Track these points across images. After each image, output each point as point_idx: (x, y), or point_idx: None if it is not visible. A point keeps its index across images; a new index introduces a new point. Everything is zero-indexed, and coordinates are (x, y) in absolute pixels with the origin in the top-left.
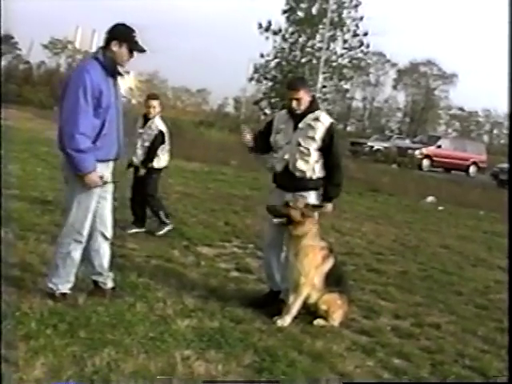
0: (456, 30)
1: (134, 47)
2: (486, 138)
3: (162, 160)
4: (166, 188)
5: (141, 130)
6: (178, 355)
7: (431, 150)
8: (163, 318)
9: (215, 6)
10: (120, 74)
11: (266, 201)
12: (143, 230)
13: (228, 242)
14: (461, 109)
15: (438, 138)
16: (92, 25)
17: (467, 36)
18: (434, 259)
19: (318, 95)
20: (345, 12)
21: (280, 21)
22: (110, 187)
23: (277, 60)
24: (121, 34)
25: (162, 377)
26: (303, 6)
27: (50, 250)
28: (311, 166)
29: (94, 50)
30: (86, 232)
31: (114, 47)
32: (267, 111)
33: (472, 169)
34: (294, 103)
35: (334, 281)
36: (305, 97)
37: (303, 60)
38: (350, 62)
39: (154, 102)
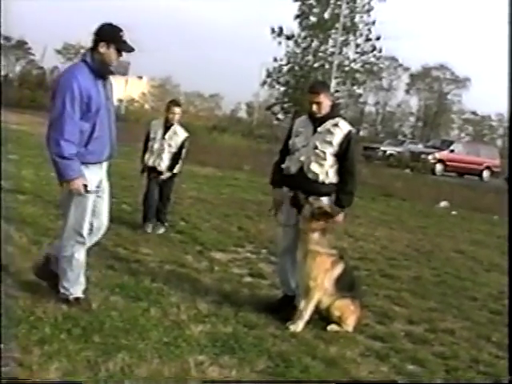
0: (468, 33)
1: (121, 47)
2: (499, 142)
3: (179, 164)
4: (179, 193)
5: (164, 137)
6: (192, 360)
7: (444, 154)
8: (177, 324)
9: (228, 12)
10: (111, 73)
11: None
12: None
13: (241, 247)
14: (474, 113)
15: (451, 142)
16: None
17: (480, 40)
18: (448, 264)
19: None
20: (357, 17)
21: (293, 26)
22: (106, 186)
23: (289, 65)
24: (108, 35)
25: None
26: (316, 10)
27: None
28: (325, 170)
29: None
30: (86, 232)
31: (102, 49)
32: (280, 116)
33: (485, 173)
34: (314, 107)
35: (345, 286)
36: (325, 101)
37: (316, 65)
38: (362, 66)
39: (177, 109)
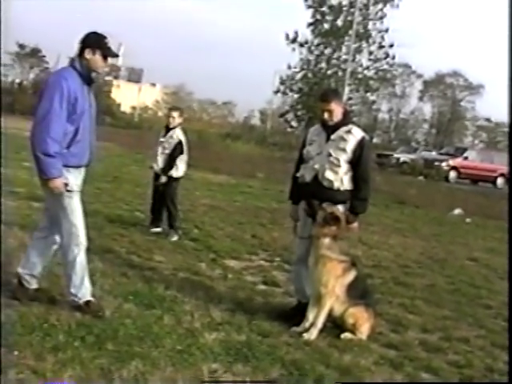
0: (482, 40)
1: (107, 53)
2: None
3: (179, 169)
4: (192, 201)
5: (162, 139)
6: (206, 368)
7: (458, 161)
8: (190, 331)
9: (241, 20)
10: (93, 82)
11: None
12: (159, 229)
13: (255, 254)
14: (488, 120)
15: (465, 149)
16: (118, 38)
17: (493, 46)
18: (462, 272)
19: None
20: (370, 24)
21: (306, 33)
22: (79, 192)
23: (303, 72)
24: (93, 42)
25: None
26: (329, 18)
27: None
28: (339, 177)
29: (120, 62)
30: (83, 233)
31: (88, 55)
32: (293, 123)
33: (499, 180)
34: (326, 115)
35: (358, 293)
36: (336, 108)
37: (329, 72)
38: (375, 73)
39: (174, 113)
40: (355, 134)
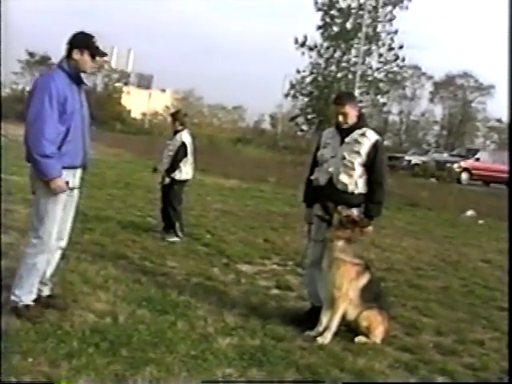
0: (492, 40)
1: (95, 52)
2: None
3: (184, 173)
4: (204, 206)
5: (168, 142)
6: (220, 373)
7: (470, 163)
8: (204, 337)
9: (251, 24)
10: (83, 83)
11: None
12: (176, 239)
13: (268, 259)
14: (499, 120)
15: (477, 150)
16: (128, 44)
17: (503, 46)
18: (476, 274)
19: None
20: (379, 26)
21: (315, 36)
22: (75, 195)
23: (313, 75)
24: (81, 42)
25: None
26: (338, 21)
27: (91, 268)
28: (354, 181)
29: (129, 69)
30: (53, 242)
31: (76, 55)
32: (304, 127)
33: None
34: (341, 118)
35: (372, 297)
36: (351, 111)
37: (339, 75)
38: (385, 75)
39: (171, 118)
40: (370, 137)
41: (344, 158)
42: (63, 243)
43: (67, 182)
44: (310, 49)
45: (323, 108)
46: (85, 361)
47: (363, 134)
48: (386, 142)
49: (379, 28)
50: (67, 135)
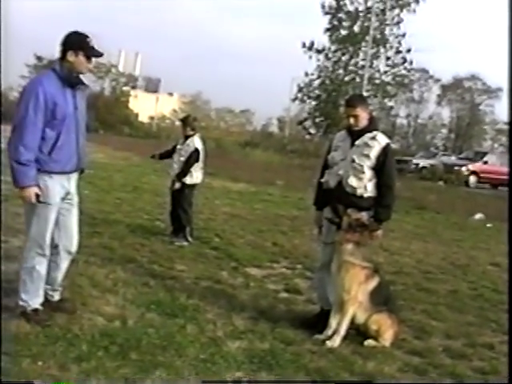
0: (499, 43)
1: (90, 53)
2: None
3: (194, 177)
4: (212, 209)
5: (179, 146)
6: (229, 377)
7: (478, 166)
8: (213, 340)
9: (258, 28)
10: (83, 84)
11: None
12: (185, 243)
13: (276, 262)
14: (507, 123)
15: (485, 153)
16: (135, 48)
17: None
18: (485, 277)
19: None
20: (387, 29)
21: (323, 40)
22: (75, 199)
23: (320, 79)
24: (75, 43)
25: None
26: (345, 24)
27: (100, 272)
28: (363, 184)
29: (137, 72)
30: (47, 244)
31: (71, 57)
32: (311, 131)
33: None
34: (352, 120)
35: (381, 300)
36: (362, 114)
37: (346, 78)
38: (393, 79)
39: (180, 123)
40: (380, 141)
41: (353, 161)
42: (72, 248)
43: (38, 195)
44: (318, 52)
45: (331, 111)
46: (94, 364)
47: (373, 138)
48: (393, 146)
49: (387, 31)
50: (58, 140)
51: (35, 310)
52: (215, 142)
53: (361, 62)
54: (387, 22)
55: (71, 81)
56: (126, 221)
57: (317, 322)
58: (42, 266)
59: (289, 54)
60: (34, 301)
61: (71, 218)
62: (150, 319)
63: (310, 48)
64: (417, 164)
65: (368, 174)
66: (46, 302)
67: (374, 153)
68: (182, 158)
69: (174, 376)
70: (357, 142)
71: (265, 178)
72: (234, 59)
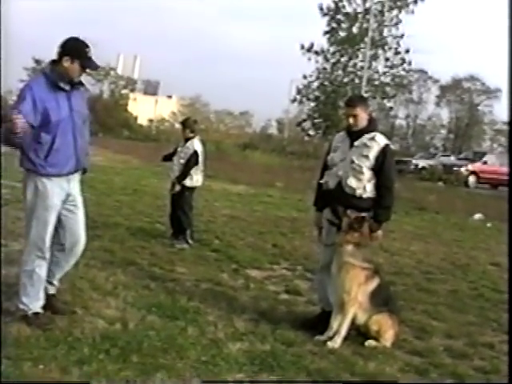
0: (498, 43)
1: (86, 64)
2: None
3: (194, 180)
4: (212, 212)
5: (179, 149)
6: (231, 379)
7: (477, 166)
8: (214, 342)
9: (256, 30)
10: (80, 84)
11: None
12: (185, 246)
13: (277, 264)
14: (506, 123)
15: (484, 153)
16: (134, 51)
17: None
18: (485, 277)
19: None
20: (386, 30)
21: (322, 42)
22: (78, 200)
23: (319, 80)
24: (73, 50)
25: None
26: (344, 25)
27: (100, 275)
28: (362, 185)
29: (136, 75)
30: (47, 247)
31: (66, 63)
32: (311, 132)
33: None
34: (351, 120)
35: (381, 301)
36: (361, 114)
37: (345, 80)
38: (392, 80)
39: (181, 125)
40: (379, 142)
41: (353, 161)
42: (78, 248)
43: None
44: (317, 53)
45: (330, 113)
46: (95, 367)
47: (372, 138)
48: (392, 146)
49: (385, 32)
50: (53, 144)
51: (36, 314)
52: (215, 144)
53: (359, 64)
54: (386, 24)
55: (62, 84)
56: (126, 224)
57: (317, 323)
58: (42, 269)
59: (287, 55)
60: (35, 304)
61: (75, 219)
62: (150, 322)
63: (309, 50)
64: (416, 165)
65: (367, 174)
66: (45, 303)
67: (373, 153)
68: (182, 161)
69: (175, 378)
70: (356, 143)
71: (264, 180)
72: (232, 61)
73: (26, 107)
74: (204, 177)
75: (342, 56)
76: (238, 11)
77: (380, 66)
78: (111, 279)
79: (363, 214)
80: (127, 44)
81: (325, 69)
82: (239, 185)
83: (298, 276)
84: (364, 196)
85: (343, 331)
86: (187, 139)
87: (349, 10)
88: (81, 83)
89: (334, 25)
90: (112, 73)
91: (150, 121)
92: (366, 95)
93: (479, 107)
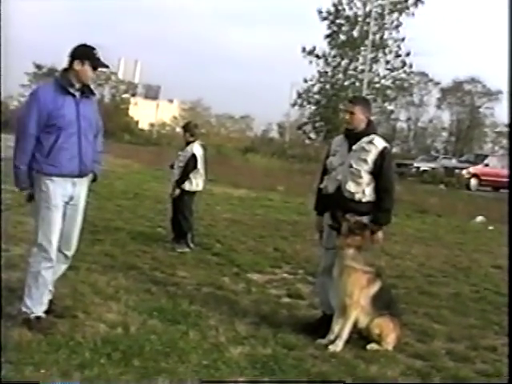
0: (499, 45)
1: (96, 64)
2: None
3: (194, 184)
4: (214, 215)
5: (180, 153)
6: (232, 382)
7: (479, 168)
8: (216, 346)
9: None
10: (92, 93)
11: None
12: (187, 250)
13: (278, 268)
14: (507, 125)
15: (485, 156)
16: (135, 55)
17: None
18: (487, 280)
19: None
20: (386, 33)
21: (322, 45)
22: (80, 205)
23: (320, 84)
24: (82, 54)
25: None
26: (345, 29)
27: (102, 279)
28: (361, 189)
29: (137, 80)
30: (54, 249)
31: (77, 66)
32: (312, 136)
33: None
34: (347, 116)
35: (383, 304)
36: (358, 113)
37: (346, 83)
38: (393, 82)
39: (182, 130)
40: (376, 144)
41: (351, 166)
42: (69, 253)
43: (31, 197)
44: (317, 57)
45: (331, 116)
46: (97, 371)
47: (370, 142)
48: (394, 149)
49: (386, 35)
50: (55, 144)
51: (38, 318)
52: (216, 148)
53: (360, 67)
54: (386, 26)
55: (71, 90)
56: (128, 228)
57: (319, 327)
58: (47, 272)
59: (288, 59)
60: (38, 308)
61: (72, 223)
62: (152, 326)
63: (310, 53)
64: (418, 167)
65: (366, 178)
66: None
67: (371, 157)
68: (181, 164)
69: (176, 382)
70: (354, 147)
71: (265, 184)
72: (233, 65)
73: (32, 116)
74: (205, 181)
75: (342, 59)
76: (238, 15)
77: (381, 68)
78: (112, 283)
79: (364, 220)
80: (128, 48)
81: (325, 72)
82: (240, 188)
83: (300, 280)
84: (363, 200)
85: (345, 335)
86: (188, 143)
87: (349, 13)
88: (92, 92)
89: (335, 28)
90: (113, 77)
91: (151, 125)
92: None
93: (480, 109)
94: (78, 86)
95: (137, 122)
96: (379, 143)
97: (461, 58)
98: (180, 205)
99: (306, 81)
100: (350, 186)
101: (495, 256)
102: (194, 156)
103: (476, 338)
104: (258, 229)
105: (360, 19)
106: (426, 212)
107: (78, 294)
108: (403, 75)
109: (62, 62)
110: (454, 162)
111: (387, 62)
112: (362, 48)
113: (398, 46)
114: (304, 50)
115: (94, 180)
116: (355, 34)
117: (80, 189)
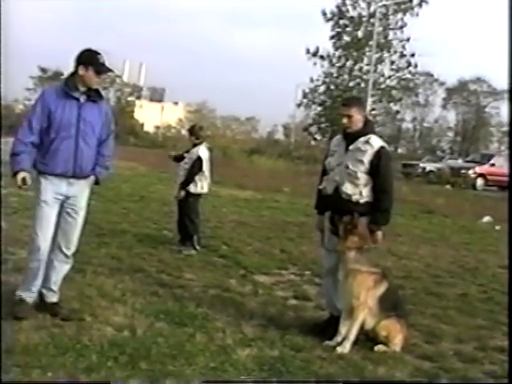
0: (503, 44)
1: (99, 69)
2: None
3: (199, 186)
4: (220, 217)
5: (185, 155)
6: (240, 383)
7: (485, 168)
8: (223, 348)
9: (262, 35)
10: (99, 97)
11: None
12: (193, 252)
13: (285, 269)
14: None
15: (491, 155)
16: (139, 58)
17: None
18: (494, 280)
19: None
20: (391, 34)
21: (327, 47)
22: (79, 206)
23: (325, 85)
24: (86, 59)
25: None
26: (349, 29)
27: (108, 282)
28: (358, 190)
29: (141, 82)
30: (42, 243)
31: (81, 71)
32: (317, 136)
33: None
34: (345, 120)
35: (390, 305)
36: (356, 115)
37: (351, 84)
38: (398, 83)
39: (187, 132)
40: (373, 144)
41: (347, 167)
42: (69, 252)
43: (24, 180)
44: (322, 58)
45: (336, 117)
46: (104, 374)
47: (367, 142)
48: (399, 150)
49: (390, 35)
50: (51, 145)
51: (21, 300)
52: (221, 150)
53: (365, 67)
54: (391, 27)
55: (74, 94)
56: (134, 230)
57: (326, 329)
58: (33, 263)
59: (293, 60)
60: (26, 294)
61: (72, 223)
62: (159, 328)
63: (314, 54)
64: (424, 168)
65: (363, 179)
66: (41, 301)
67: (367, 157)
68: (186, 166)
69: None
70: (350, 147)
71: (271, 185)
72: (238, 67)
73: (35, 115)
74: (210, 183)
75: (347, 60)
76: (243, 17)
77: (386, 69)
78: (119, 286)
79: (362, 220)
80: (133, 51)
81: (330, 73)
82: (246, 190)
83: (306, 281)
84: (361, 201)
85: (352, 336)
86: (194, 145)
87: (353, 14)
88: (100, 97)
89: (339, 29)
90: (118, 80)
91: (157, 127)
92: (372, 99)
93: (486, 109)
94: (82, 89)
95: (142, 125)
96: (375, 143)
97: (466, 58)
98: (186, 207)
99: (312, 80)
100: (347, 188)
101: (502, 256)
102: (199, 158)
103: (484, 338)
104: (264, 230)
105: (364, 20)
106: (432, 212)
107: (85, 296)
108: (408, 75)
109: (67, 66)
110: (460, 161)
111: (392, 63)
112: (367, 49)
113: (403, 47)
114: (308, 51)
115: (96, 183)
116: (360, 34)
117: (77, 189)
